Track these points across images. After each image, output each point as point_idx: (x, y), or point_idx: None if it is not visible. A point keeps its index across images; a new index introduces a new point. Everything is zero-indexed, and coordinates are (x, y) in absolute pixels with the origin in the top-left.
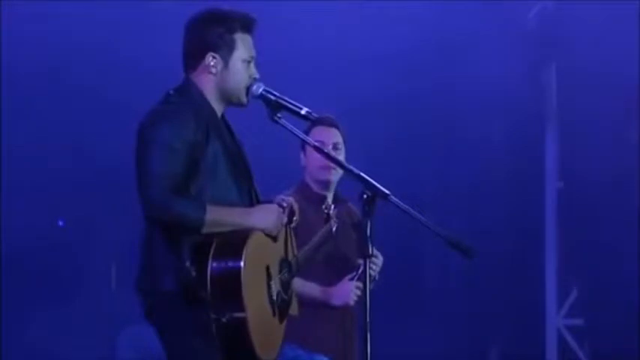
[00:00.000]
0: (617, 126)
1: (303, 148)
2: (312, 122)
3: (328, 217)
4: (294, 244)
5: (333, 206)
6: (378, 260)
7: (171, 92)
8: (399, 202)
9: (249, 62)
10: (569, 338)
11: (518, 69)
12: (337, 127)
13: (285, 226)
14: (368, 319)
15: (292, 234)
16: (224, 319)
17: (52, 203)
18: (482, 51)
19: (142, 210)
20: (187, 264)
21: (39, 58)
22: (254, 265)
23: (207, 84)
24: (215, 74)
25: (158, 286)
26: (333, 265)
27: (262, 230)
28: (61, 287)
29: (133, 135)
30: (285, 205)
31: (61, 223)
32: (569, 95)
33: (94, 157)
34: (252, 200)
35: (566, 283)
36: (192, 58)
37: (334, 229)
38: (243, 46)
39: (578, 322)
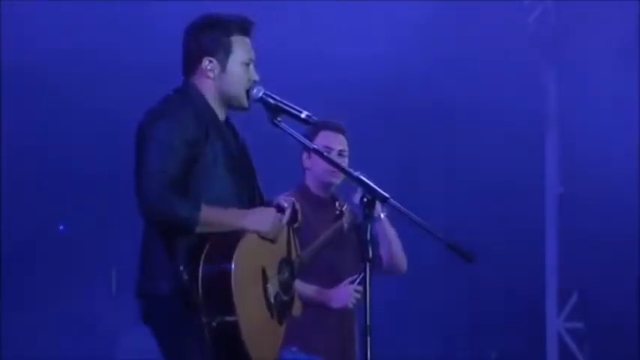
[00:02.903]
0: (618, 129)
1: (308, 151)
2: (319, 126)
3: (341, 214)
4: (298, 245)
5: (346, 204)
6: None
7: (171, 93)
8: (399, 205)
9: (247, 65)
10: (569, 341)
11: (518, 73)
12: (344, 134)
13: (288, 226)
14: (368, 323)
15: (295, 234)
16: (214, 323)
17: (52, 207)
18: (482, 55)
19: (137, 206)
20: (181, 268)
21: (39, 59)
22: (247, 268)
23: (207, 88)
24: (213, 78)
25: (154, 290)
26: (334, 268)
27: (257, 232)
28: (61, 291)
29: (134, 138)
30: (285, 206)
31: (61, 227)
32: (570, 100)
33: (94, 161)
34: (253, 202)
35: (566, 286)
36: (190, 63)
37: (346, 226)
38: (241, 49)
39: (578, 325)
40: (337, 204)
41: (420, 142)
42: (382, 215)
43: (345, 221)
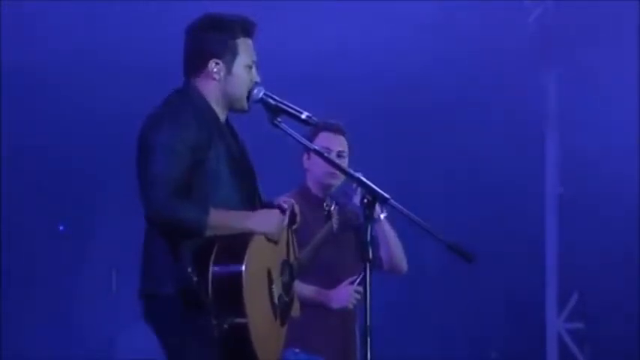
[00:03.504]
0: (618, 129)
1: (308, 152)
2: (319, 127)
3: (329, 216)
4: (296, 246)
5: (334, 204)
6: None
7: (172, 95)
8: (399, 205)
9: (250, 67)
10: (569, 342)
11: (518, 73)
12: (344, 135)
13: (287, 228)
14: (369, 323)
15: (294, 236)
16: (225, 325)
17: (52, 207)
18: (482, 55)
19: (144, 213)
20: (189, 270)
21: (39, 59)
22: (255, 270)
23: (210, 89)
24: (218, 80)
25: (156, 290)
26: (333, 268)
27: (263, 234)
28: (61, 291)
29: (135, 138)
30: (286, 207)
31: (61, 227)
32: (570, 100)
33: (94, 161)
34: (255, 204)
35: (566, 286)
36: (194, 65)
37: (335, 227)
38: (245, 51)
39: (578, 325)
40: (325, 204)
41: (420, 142)
42: (382, 216)
43: (334, 221)
